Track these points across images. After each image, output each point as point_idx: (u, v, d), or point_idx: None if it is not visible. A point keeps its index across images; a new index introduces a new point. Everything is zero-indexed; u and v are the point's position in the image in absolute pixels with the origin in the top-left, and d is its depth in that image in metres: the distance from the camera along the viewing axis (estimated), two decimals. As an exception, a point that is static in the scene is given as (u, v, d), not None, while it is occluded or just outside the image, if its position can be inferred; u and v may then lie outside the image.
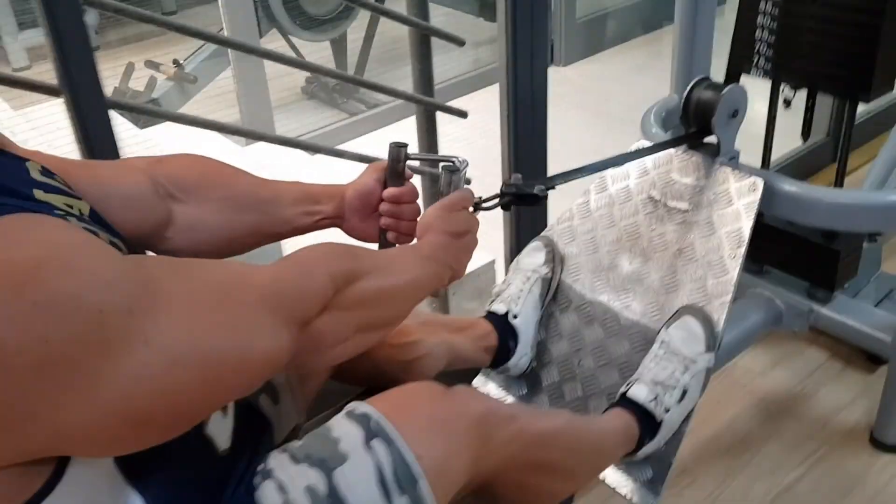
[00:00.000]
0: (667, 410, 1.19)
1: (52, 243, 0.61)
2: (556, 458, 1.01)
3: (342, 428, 0.86)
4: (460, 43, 1.62)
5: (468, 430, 0.90)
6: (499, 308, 1.40)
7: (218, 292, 0.71)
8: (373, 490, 0.82)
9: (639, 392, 1.20)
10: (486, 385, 1.47)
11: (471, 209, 1.07)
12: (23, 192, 0.74)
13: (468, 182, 1.66)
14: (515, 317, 1.39)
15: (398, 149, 1.07)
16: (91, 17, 4.96)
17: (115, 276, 0.62)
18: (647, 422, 1.19)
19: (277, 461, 0.85)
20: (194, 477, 0.81)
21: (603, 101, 3.55)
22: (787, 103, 1.65)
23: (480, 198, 1.10)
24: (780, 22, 1.54)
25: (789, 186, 1.38)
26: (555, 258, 1.44)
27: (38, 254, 0.58)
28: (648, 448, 1.21)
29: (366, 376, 1.18)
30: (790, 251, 1.67)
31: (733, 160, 1.35)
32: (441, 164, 1.10)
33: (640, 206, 1.40)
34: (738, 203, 1.30)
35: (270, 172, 1.14)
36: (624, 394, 1.22)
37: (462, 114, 1.66)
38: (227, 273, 0.76)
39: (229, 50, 2.89)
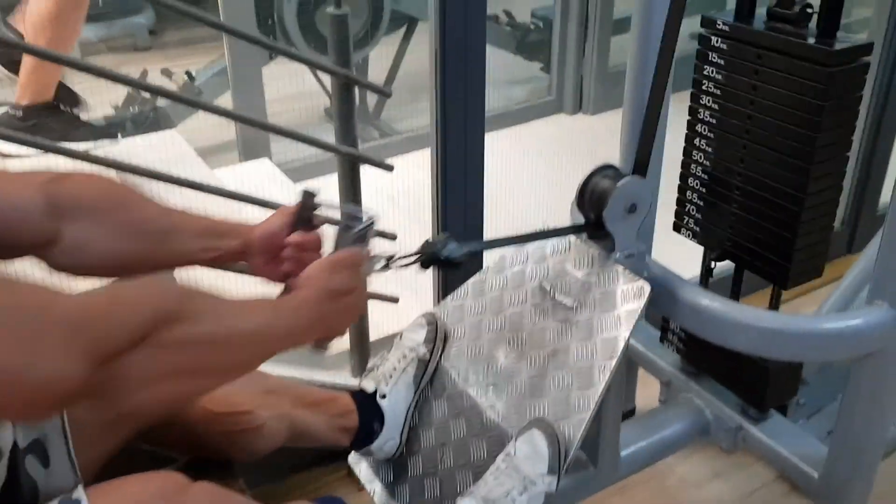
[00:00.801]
0: (496, 533, 1.08)
1: None
2: None
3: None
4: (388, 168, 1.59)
5: None
6: (368, 385, 1.31)
7: (17, 311, 0.70)
8: None
9: (466, 505, 1.09)
10: (359, 464, 1.38)
11: (379, 266, 1.03)
12: None
13: (393, 237, 1.59)
14: (384, 397, 1.30)
15: (308, 197, 1.05)
16: (146, 18, 5.06)
17: None
18: (471, 542, 1.08)
19: None
20: None
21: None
22: (710, 272, 1.47)
23: (395, 254, 1.06)
24: (707, 187, 1.40)
25: (694, 297, 1.24)
26: (437, 338, 1.34)
27: None
28: None
29: (183, 443, 1.11)
30: (722, 359, 1.51)
31: (630, 258, 1.23)
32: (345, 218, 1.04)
33: (530, 295, 1.29)
34: (620, 308, 1.17)
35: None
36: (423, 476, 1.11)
37: (388, 167, 1.58)
38: (33, 294, 0.74)
39: (229, 70, 2.87)
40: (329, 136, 1.60)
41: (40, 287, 0.75)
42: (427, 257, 1.09)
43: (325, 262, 0.98)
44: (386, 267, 1.05)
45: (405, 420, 1.31)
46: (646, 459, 1.53)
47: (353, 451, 1.33)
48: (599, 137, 3.59)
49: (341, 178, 1.59)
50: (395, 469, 1.33)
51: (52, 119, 2.19)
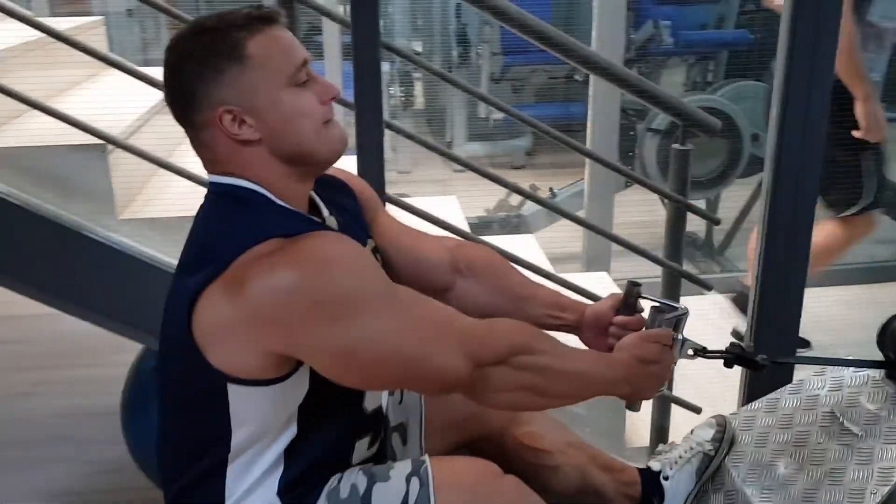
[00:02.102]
0: None
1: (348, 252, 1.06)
2: None
3: (403, 463, 1.16)
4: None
5: None
6: (654, 465, 1.50)
7: (431, 317, 1.11)
8: None
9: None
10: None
11: (689, 351, 1.26)
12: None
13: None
14: (666, 478, 1.48)
15: (633, 286, 1.32)
16: (525, 141, 5.78)
17: (377, 278, 1.07)
18: None
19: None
20: (338, 431, 1.16)
21: None
22: None
23: (705, 347, 1.29)
24: None
25: None
26: (724, 438, 1.49)
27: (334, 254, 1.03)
28: None
29: (492, 458, 1.40)
30: None
31: (927, 403, 1.29)
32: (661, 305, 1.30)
33: (819, 418, 1.40)
34: (904, 444, 1.25)
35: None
36: None
37: (706, 286, 1.78)
38: (444, 311, 1.14)
39: (586, 191, 3.26)
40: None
41: (445, 307, 1.14)
42: (733, 357, 1.29)
43: (640, 335, 1.23)
44: (696, 354, 1.27)
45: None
46: None
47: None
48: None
49: (664, 290, 1.83)
50: (667, 547, 1.49)
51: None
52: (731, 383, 1.78)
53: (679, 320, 1.26)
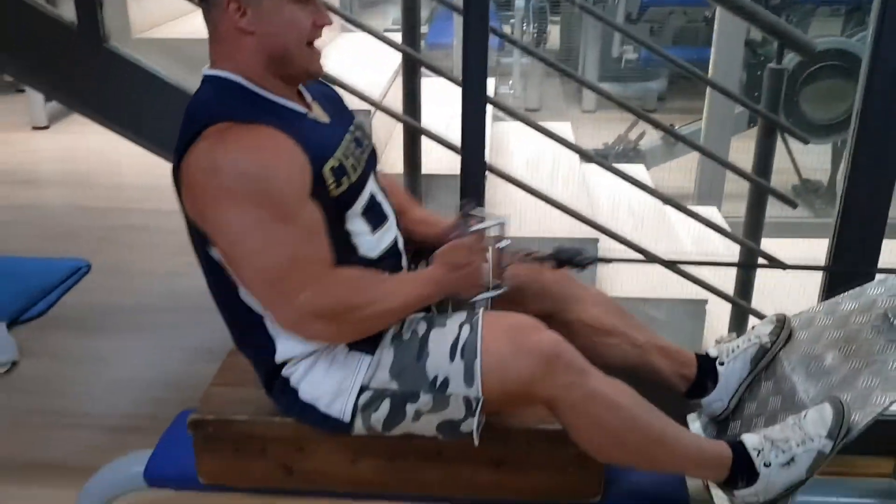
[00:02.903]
0: (766, 465, 1.33)
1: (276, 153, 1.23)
2: (609, 422, 1.29)
3: (460, 313, 1.37)
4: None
5: (535, 356, 1.28)
6: (712, 352, 1.63)
7: (303, 255, 1.25)
8: (446, 348, 1.29)
9: (749, 439, 1.36)
10: (694, 423, 1.69)
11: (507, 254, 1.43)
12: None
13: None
14: (721, 364, 1.60)
15: (463, 202, 1.50)
16: (658, 84, 5.76)
17: (288, 190, 1.23)
18: (744, 465, 1.34)
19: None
20: None
21: None
22: None
23: (531, 252, 1.50)
24: None
25: None
26: (781, 334, 1.59)
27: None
28: (746, 494, 1.36)
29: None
30: None
31: (975, 306, 1.36)
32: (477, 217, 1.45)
33: (873, 318, 1.49)
34: (944, 338, 1.33)
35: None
36: (738, 435, 1.39)
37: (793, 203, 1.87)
38: (318, 258, 1.27)
39: (703, 132, 3.31)
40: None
41: (325, 256, 1.28)
42: (555, 259, 1.49)
43: (449, 244, 1.37)
44: (524, 259, 1.44)
45: (736, 390, 1.59)
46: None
47: (685, 397, 1.64)
48: None
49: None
50: (718, 428, 1.62)
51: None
52: (809, 300, 1.87)
53: (501, 230, 1.41)
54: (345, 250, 1.34)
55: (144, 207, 3.85)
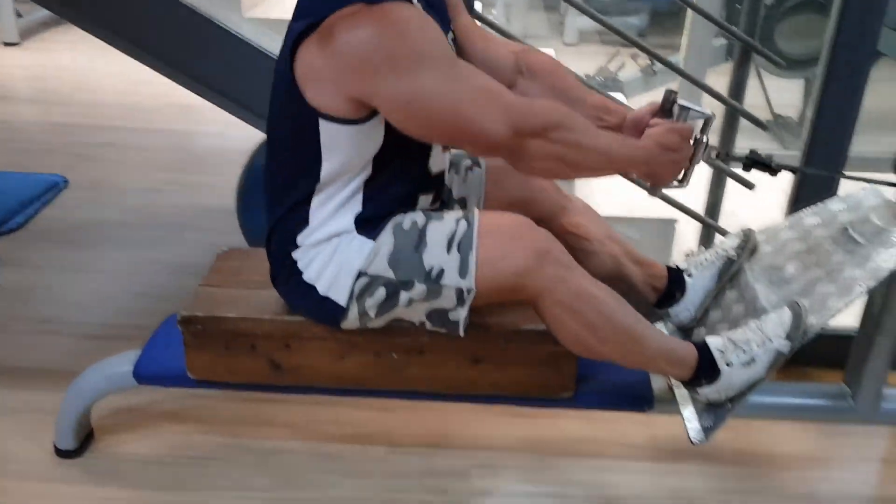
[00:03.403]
0: (728, 364, 1.43)
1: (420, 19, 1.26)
2: (591, 317, 1.38)
3: (454, 210, 1.43)
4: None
5: (528, 250, 1.35)
6: (681, 264, 1.72)
7: (483, 86, 1.30)
8: (443, 241, 1.35)
9: (713, 340, 1.46)
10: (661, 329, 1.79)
11: (712, 155, 1.46)
12: None
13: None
14: (690, 276, 1.69)
15: (669, 93, 1.48)
16: (639, 20, 5.78)
17: (443, 45, 1.28)
18: (707, 364, 1.44)
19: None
20: (405, 183, 1.43)
21: None
22: None
23: (728, 151, 1.49)
24: None
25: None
26: (747, 247, 1.68)
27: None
28: (709, 392, 1.46)
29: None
30: None
31: (928, 218, 1.45)
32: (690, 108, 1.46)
33: (833, 231, 1.58)
34: (897, 248, 1.42)
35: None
36: (704, 338, 1.48)
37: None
38: (495, 85, 1.32)
39: (682, 64, 3.35)
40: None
41: (497, 83, 1.34)
42: (750, 161, 1.47)
43: (665, 126, 1.41)
44: (717, 157, 1.43)
45: (702, 300, 1.68)
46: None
47: (655, 307, 1.73)
48: None
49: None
50: (685, 336, 1.71)
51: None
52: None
53: (706, 123, 1.43)
54: (421, 157, 1.42)
55: (121, 125, 3.83)
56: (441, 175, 1.50)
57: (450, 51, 1.31)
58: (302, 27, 1.27)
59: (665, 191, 1.48)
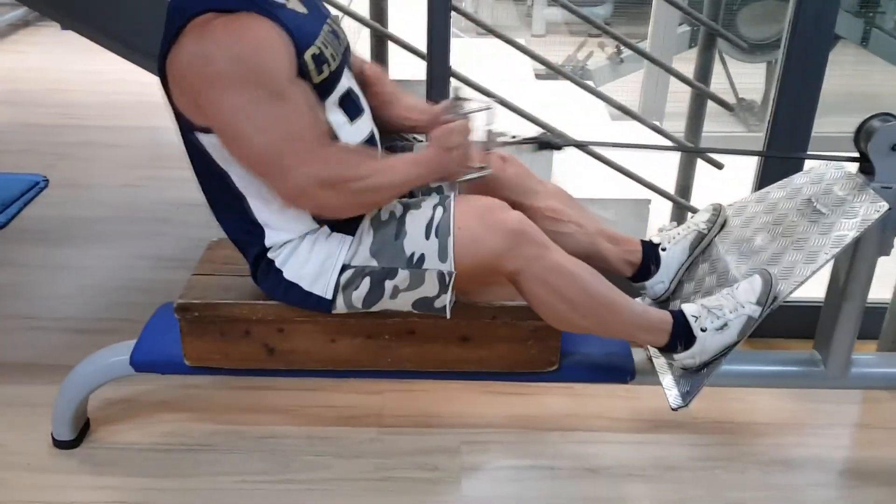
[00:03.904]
0: (703, 330, 1.50)
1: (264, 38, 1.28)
2: (568, 292, 1.44)
3: (433, 197, 1.48)
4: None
5: (503, 232, 1.41)
6: (655, 239, 1.79)
7: (297, 130, 1.31)
8: (421, 227, 1.42)
9: (688, 307, 1.54)
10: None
11: (500, 139, 1.51)
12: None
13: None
14: (664, 249, 1.76)
15: (455, 90, 1.61)
16: (604, 10, 5.87)
17: (278, 72, 1.29)
18: (682, 330, 1.52)
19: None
20: None
21: None
22: None
23: (515, 136, 1.56)
24: None
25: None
26: (717, 221, 1.76)
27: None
28: (684, 358, 1.53)
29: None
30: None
31: (886, 190, 1.53)
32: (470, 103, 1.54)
33: (798, 203, 1.66)
34: (858, 217, 1.50)
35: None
36: (680, 307, 1.56)
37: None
38: (312, 131, 1.34)
39: (648, 50, 3.44)
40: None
41: (319, 127, 1.36)
42: (538, 141, 1.57)
43: (439, 129, 1.45)
44: (506, 143, 1.52)
45: (676, 274, 1.75)
46: (880, 384, 1.77)
47: (630, 281, 1.80)
48: None
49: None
50: (660, 308, 1.79)
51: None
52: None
53: (488, 113, 1.49)
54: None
55: (96, 124, 3.84)
56: (372, 137, 1.51)
57: (283, 79, 1.31)
58: (167, 41, 1.31)
59: (474, 175, 1.51)
